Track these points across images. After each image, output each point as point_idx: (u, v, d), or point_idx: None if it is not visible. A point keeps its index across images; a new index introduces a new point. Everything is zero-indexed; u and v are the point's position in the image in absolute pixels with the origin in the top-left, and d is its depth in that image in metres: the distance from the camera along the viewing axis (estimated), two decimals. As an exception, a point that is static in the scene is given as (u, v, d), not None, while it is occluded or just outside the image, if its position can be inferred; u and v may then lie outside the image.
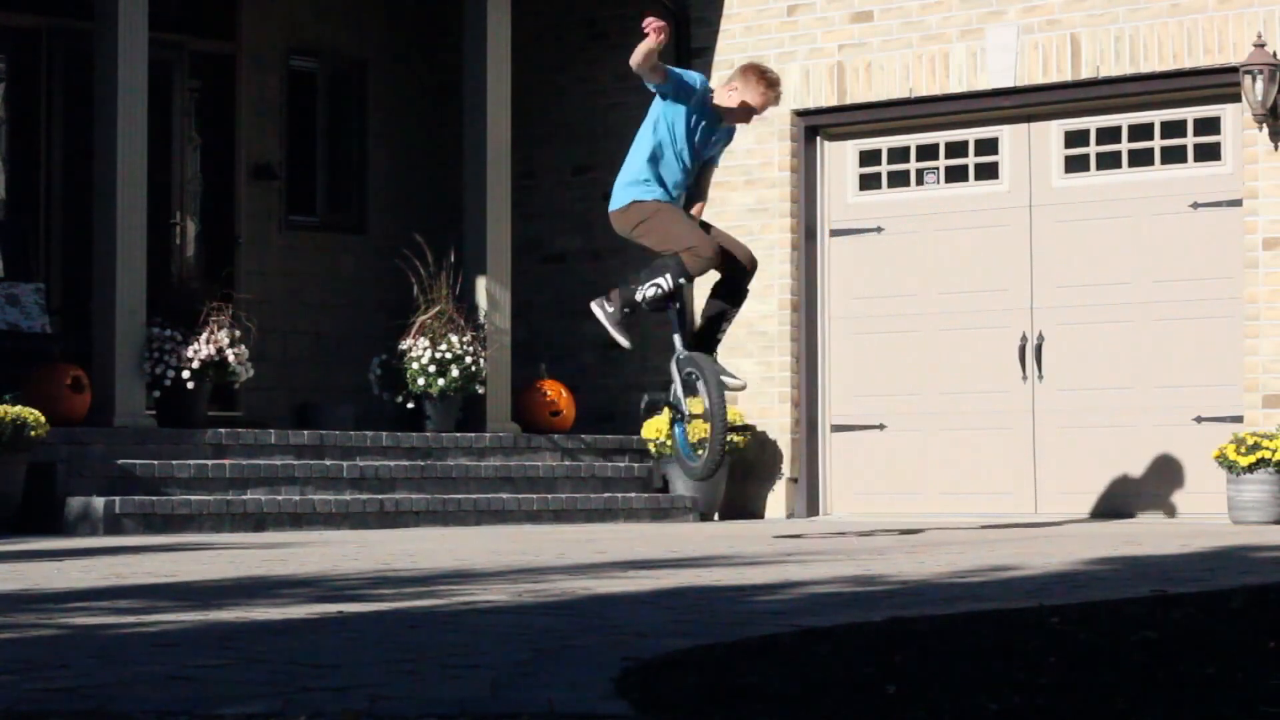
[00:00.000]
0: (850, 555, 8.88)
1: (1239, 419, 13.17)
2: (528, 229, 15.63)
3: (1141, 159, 13.77)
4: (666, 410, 11.35)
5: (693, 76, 10.44)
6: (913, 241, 14.55)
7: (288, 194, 15.59)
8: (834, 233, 14.84)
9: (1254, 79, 12.89)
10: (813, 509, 14.73)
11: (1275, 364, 13.03)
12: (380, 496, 13.08)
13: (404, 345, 14.14)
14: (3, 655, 4.91)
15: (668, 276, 10.26)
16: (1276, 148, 13.04)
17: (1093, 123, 13.93)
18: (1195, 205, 13.51)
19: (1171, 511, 13.44)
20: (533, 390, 14.69)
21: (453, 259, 14.25)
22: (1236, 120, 13.31)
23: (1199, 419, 13.44)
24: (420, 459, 13.72)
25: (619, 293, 10.43)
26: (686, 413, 10.68)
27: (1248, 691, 4.08)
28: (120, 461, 12.33)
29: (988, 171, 14.32)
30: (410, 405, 14.24)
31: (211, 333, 13.17)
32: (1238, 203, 13.27)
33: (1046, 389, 14.00)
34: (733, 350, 14.99)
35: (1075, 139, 14.00)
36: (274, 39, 15.50)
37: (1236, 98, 13.18)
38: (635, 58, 10.07)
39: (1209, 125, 13.53)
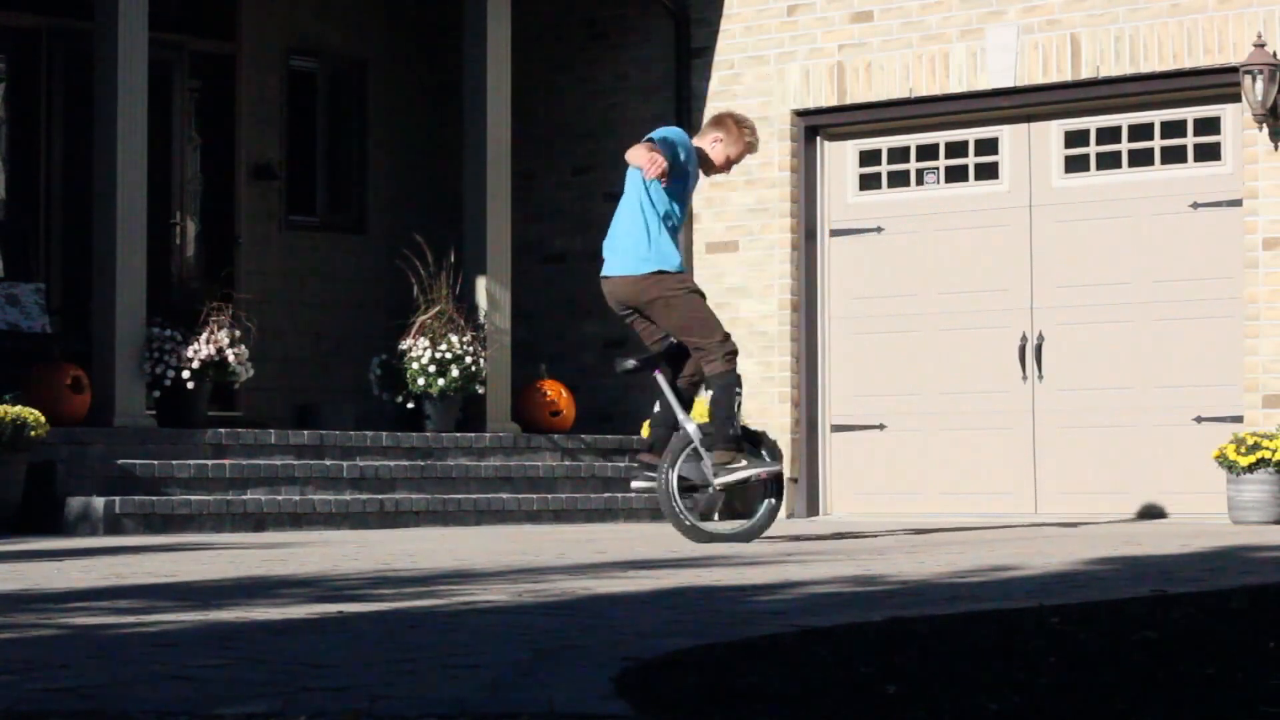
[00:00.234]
0: (850, 555, 8.88)
1: (1239, 419, 13.17)
2: (528, 229, 15.63)
3: (1141, 159, 13.77)
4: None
5: (686, 148, 10.03)
6: (913, 241, 14.55)
7: (288, 194, 15.60)
8: (834, 233, 14.84)
9: (1254, 79, 12.89)
10: (813, 509, 14.73)
11: (1275, 364, 13.03)
12: (380, 496, 13.08)
13: (404, 345, 14.14)
14: (3, 655, 4.91)
15: (738, 400, 10.02)
16: (1276, 148, 13.04)
17: (1093, 123, 13.93)
18: (1195, 205, 13.51)
19: (1171, 511, 13.44)
20: (533, 390, 14.70)
21: (453, 259, 14.25)
22: (1236, 120, 13.31)
23: (1199, 419, 13.44)
24: (420, 459, 13.72)
25: (723, 450, 9.95)
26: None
27: (1248, 691, 4.07)
28: (120, 461, 12.33)
29: (988, 171, 14.33)
30: (410, 405, 14.24)
31: (211, 333, 13.17)
32: (1238, 203, 13.27)
33: (1046, 389, 14.00)
34: (733, 350, 15.00)
35: (1075, 139, 14.00)
36: (274, 39, 15.51)
37: (1236, 98, 13.18)
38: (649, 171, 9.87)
39: (1209, 125, 13.53)
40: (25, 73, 14.38)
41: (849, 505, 14.71)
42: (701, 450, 10.11)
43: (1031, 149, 14.13)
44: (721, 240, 15.05)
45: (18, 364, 12.92)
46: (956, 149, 14.47)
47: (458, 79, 14.91)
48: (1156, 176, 13.70)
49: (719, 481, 10.11)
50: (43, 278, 14.10)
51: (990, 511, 13.95)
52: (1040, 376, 14.03)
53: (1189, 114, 13.60)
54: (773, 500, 10.25)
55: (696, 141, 10.25)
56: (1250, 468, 12.54)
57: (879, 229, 14.67)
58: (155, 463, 12.45)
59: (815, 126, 14.84)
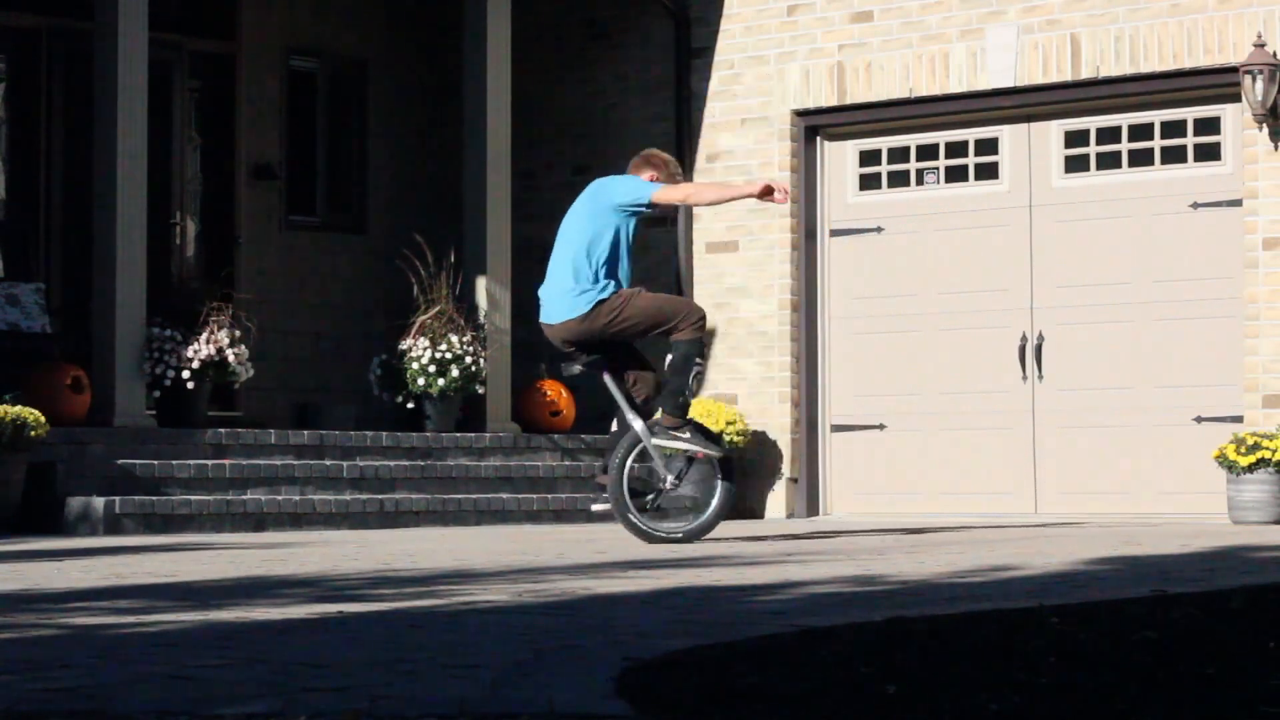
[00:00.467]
0: (850, 555, 8.88)
1: (1239, 419, 13.17)
2: (528, 229, 15.62)
3: (1141, 159, 13.77)
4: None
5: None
6: (913, 241, 14.55)
7: (288, 194, 15.59)
8: (834, 233, 14.84)
9: (1254, 79, 12.89)
10: (813, 509, 14.73)
11: (1275, 364, 13.03)
12: (380, 496, 13.08)
13: (404, 345, 14.14)
14: (3, 655, 4.91)
15: (696, 375, 10.09)
16: (1276, 148, 13.04)
17: (1093, 123, 13.93)
18: (1195, 205, 13.51)
19: (1171, 511, 13.44)
20: (533, 390, 14.69)
21: (453, 259, 14.24)
22: (1236, 120, 13.31)
23: (1199, 419, 13.44)
24: (420, 459, 13.72)
25: (669, 414, 10.01)
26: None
27: (1248, 691, 4.08)
28: (120, 461, 12.33)
29: (988, 171, 14.33)
30: (410, 405, 14.24)
31: (211, 333, 13.17)
32: (1238, 203, 13.27)
33: (1046, 389, 14.00)
34: (733, 350, 15.01)
35: (1075, 139, 14.00)
36: (274, 39, 15.51)
37: (1236, 98, 13.18)
38: (707, 198, 10.00)
39: (1209, 125, 13.53)
40: (25, 73, 14.38)
41: (849, 505, 14.71)
42: (651, 449, 10.10)
43: (1031, 149, 14.13)
44: (721, 240, 15.05)
45: (18, 364, 12.92)
46: (956, 149, 14.47)
47: (458, 79, 14.91)
48: (1156, 176, 13.70)
49: (656, 442, 10.08)
50: (43, 278, 14.10)
51: (990, 511, 13.95)
52: (1040, 376, 14.03)
53: (1189, 114, 13.60)
54: (723, 497, 10.27)
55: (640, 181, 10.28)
56: (1250, 468, 12.54)
57: (879, 229, 14.67)
58: (155, 463, 12.45)
59: (815, 126, 14.84)
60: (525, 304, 15.33)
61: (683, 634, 5.20)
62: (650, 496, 10.24)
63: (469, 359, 14.06)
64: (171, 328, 13.07)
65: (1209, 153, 13.52)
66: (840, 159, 14.87)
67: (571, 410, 14.75)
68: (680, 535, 10.20)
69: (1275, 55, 12.95)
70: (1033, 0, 13.91)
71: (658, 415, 10.16)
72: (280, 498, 12.60)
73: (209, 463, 12.68)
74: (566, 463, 14.25)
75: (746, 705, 3.96)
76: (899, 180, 14.68)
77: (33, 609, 6.31)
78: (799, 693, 4.12)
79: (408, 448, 13.76)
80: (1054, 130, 14.06)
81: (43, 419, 11.96)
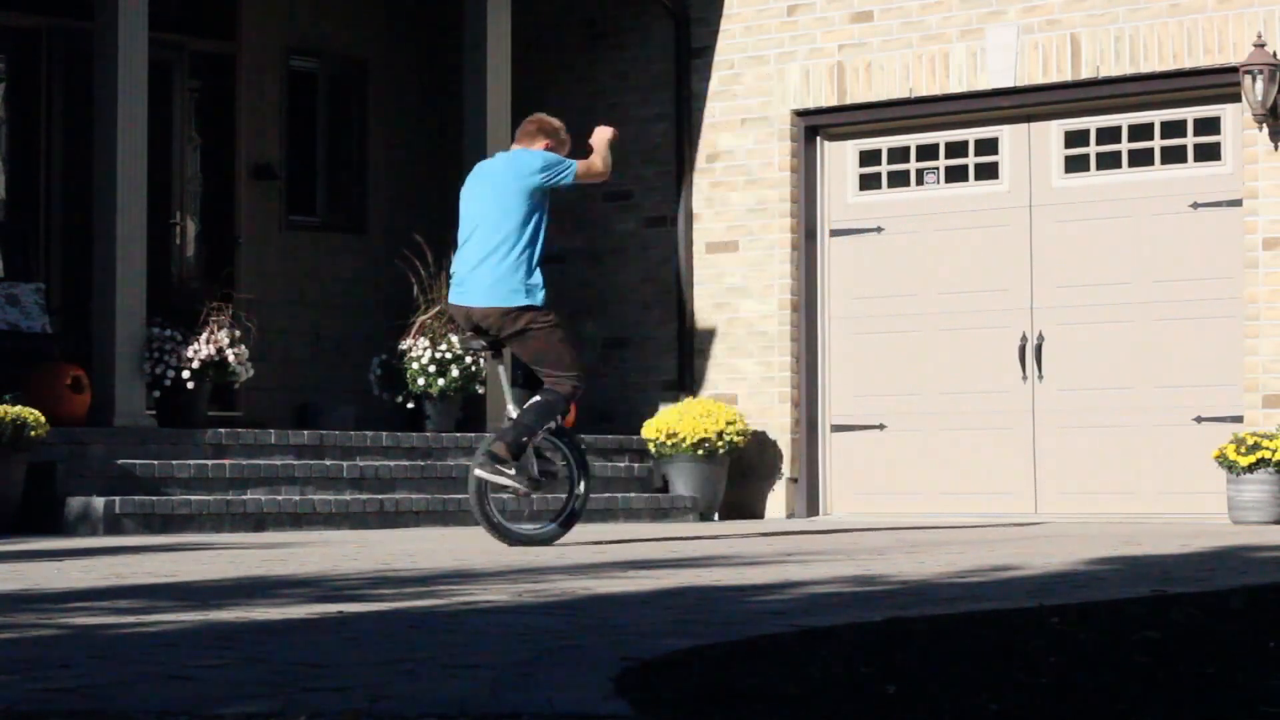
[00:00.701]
0: (850, 555, 8.88)
1: (1239, 419, 13.17)
2: (528, 229, 15.61)
3: (1141, 159, 13.77)
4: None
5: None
6: (913, 241, 14.55)
7: (288, 194, 15.59)
8: (834, 233, 14.84)
9: (1254, 79, 12.89)
10: (813, 509, 14.73)
11: (1275, 364, 13.03)
12: (380, 496, 13.08)
13: (404, 345, 14.14)
14: (3, 655, 4.91)
15: (559, 418, 10.11)
16: (1276, 148, 13.04)
17: (1093, 123, 13.93)
18: (1195, 205, 13.51)
19: (1171, 511, 13.44)
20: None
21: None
22: (1236, 120, 13.31)
23: (1199, 419, 13.44)
24: (420, 459, 13.71)
25: (505, 446, 9.91)
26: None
27: (1248, 691, 4.08)
28: (120, 461, 12.33)
29: (988, 171, 14.33)
30: (410, 405, 14.24)
31: (211, 333, 13.17)
32: (1238, 203, 13.27)
33: (1046, 389, 14.00)
34: (733, 350, 15.01)
35: (1075, 139, 14.00)
36: (274, 39, 15.50)
37: (1236, 98, 13.18)
38: (603, 169, 10.02)
39: (1209, 125, 13.53)
40: (25, 73, 14.38)
41: (849, 505, 14.71)
42: (476, 476, 10.08)
43: (1031, 149, 14.13)
44: (721, 240, 15.05)
45: (18, 364, 12.92)
46: (956, 149, 14.47)
47: (458, 79, 14.91)
48: (1156, 176, 13.70)
49: (477, 472, 10.00)
50: (43, 278, 14.10)
51: (990, 511, 13.95)
52: (1040, 376, 14.03)
53: (1189, 114, 13.60)
54: (575, 506, 10.33)
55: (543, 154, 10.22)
56: (1250, 468, 12.55)
57: (879, 229, 14.67)
58: (155, 463, 12.45)
59: (815, 126, 14.84)
60: (525, 304, 15.35)
61: (682, 634, 5.20)
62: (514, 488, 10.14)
63: (469, 359, 14.05)
64: (171, 328, 13.07)
65: (1209, 153, 13.52)
66: (840, 159, 14.87)
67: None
68: (538, 536, 10.27)
69: (1275, 55, 12.95)
70: (1033, 0, 13.91)
71: (491, 443, 10.06)
72: (280, 498, 12.60)
73: (209, 463, 12.68)
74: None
75: (746, 705, 3.96)
76: (899, 180, 14.68)
77: (33, 609, 6.31)
78: (799, 693, 4.12)
79: (408, 448, 13.76)
80: (1054, 130, 14.06)
81: (43, 419, 11.96)
